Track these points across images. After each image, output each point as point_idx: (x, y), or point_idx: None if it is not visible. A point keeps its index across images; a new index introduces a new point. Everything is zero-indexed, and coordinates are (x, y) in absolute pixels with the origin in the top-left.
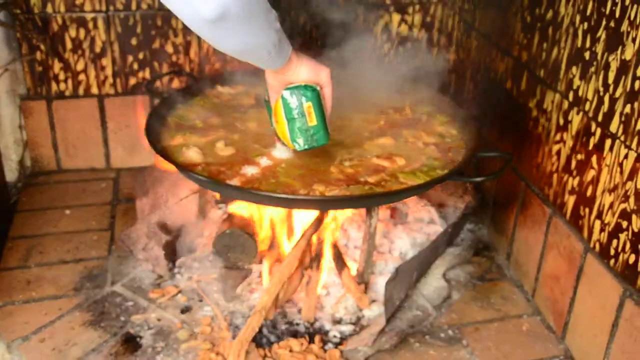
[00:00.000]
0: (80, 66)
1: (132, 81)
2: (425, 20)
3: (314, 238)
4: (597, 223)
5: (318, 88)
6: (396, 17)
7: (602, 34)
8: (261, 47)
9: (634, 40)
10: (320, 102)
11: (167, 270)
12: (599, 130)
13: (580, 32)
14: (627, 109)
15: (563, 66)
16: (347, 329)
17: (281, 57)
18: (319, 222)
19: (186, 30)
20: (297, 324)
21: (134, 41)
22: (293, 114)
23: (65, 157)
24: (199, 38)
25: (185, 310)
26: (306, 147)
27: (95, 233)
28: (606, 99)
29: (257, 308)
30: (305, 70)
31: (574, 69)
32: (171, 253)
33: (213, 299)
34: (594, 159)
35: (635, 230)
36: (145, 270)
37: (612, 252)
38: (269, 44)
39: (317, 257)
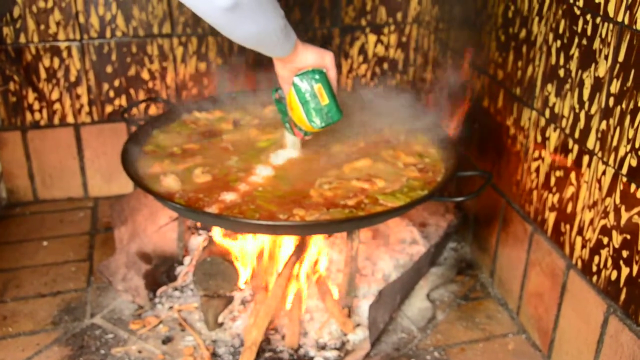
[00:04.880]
0: (55, 95)
1: (109, 109)
2: (401, 40)
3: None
4: (579, 239)
5: (325, 70)
6: (372, 38)
7: (575, 51)
8: (271, 32)
9: (606, 57)
10: (329, 82)
11: (147, 301)
12: (576, 147)
13: (553, 50)
14: (603, 125)
15: (538, 84)
16: (331, 354)
17: (288, 42)
18: (301, 247)
19: (162, 56)
20: (281, 351)
21: (109, 69)
22: (306, 97)
23: (41, 188)
24: (175, 64)
25: (167, 340)
26: (323, 124)
27: (74, 264)
28: (582, 115)
29: (247, 344)
30: (312, 55)
31: (549, 86)
32: (151, 282)
33: (195, 328)
34: (572, 175)
35: (616, 246)
36: (125, 301)
37: (595, 268)
38: (277, 28)
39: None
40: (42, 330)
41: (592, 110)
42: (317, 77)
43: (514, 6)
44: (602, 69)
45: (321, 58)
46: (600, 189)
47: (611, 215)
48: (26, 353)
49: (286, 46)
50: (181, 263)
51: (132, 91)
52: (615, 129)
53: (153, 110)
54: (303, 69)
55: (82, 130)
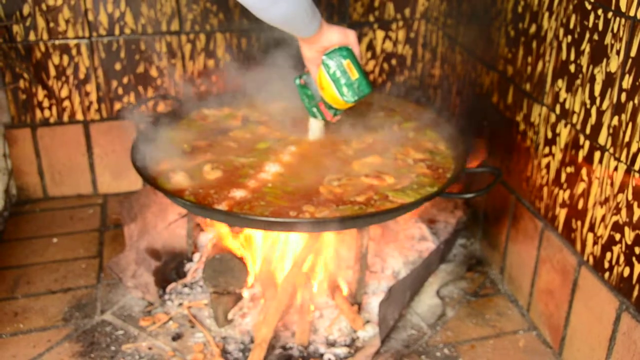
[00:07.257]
0: (64, 93)
1: (117, 106)
2: (409, 36)
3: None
4: (590, 236)
5: (350, 47)
6: (380, 34)
7: (586, 46)
8: (302, 10)
9: (618, 52)
10: (356, 58)
11: (157, 297)
12: (587, 143)
13: (564, 45)
14: (615, 121)
15: (549, 79)
16: (341, 351)
17: (315, 19)
18: (310, 244)
19: (170, 54)
20: (291, 348)
21: (118, 66)
22: (337, 74)
23: (51, 185)
24: (183, 61)
25: (177, 337)
26: (355, 98)
27: (84, 261)
28: (593, 111)
29: (257, 341)
30: (336, 33)
31: (559, 82)
32: (161, 279)
33: (205, 325)
34: (583, 171)
35: (629, 242)
36: (135, 297)
37: (607, 265)
38: (307, 6)
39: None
40: (53, 327)
41: (604, 106)
42: (344, 53)
43: (524, 1)
44: (613, 64)
45: (345, 36)
46: (612, 185)
47: (623, 212)
48: (37, 349)
49: (314, 24)
50: (190, 260)
51: (140, 88)
52: (627, 124)
53: (162, 107)
54: (329, 48)
55: (91, 128)
